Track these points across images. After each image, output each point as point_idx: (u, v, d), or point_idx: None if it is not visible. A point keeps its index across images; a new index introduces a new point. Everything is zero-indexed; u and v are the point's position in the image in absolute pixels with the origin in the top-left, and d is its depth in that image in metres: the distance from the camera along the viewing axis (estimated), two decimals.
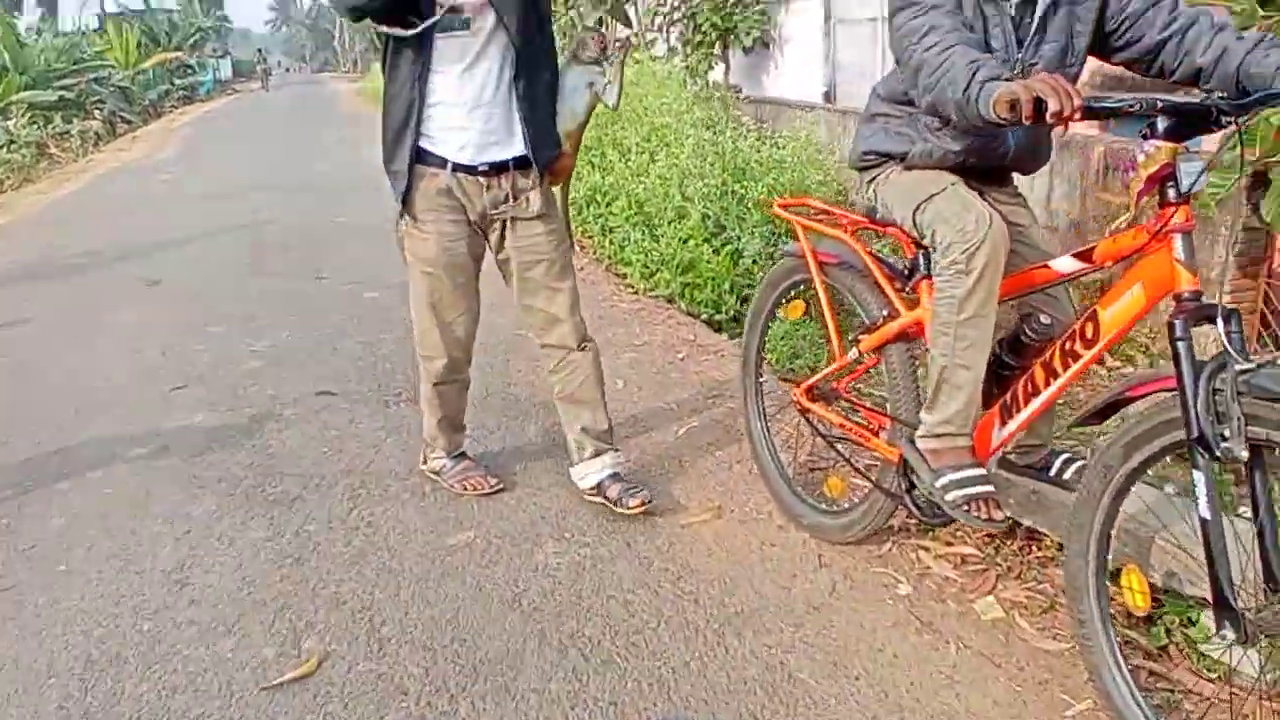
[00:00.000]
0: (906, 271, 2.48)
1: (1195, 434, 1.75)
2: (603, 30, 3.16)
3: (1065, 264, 2.09)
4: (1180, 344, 1.79)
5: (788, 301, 2.99)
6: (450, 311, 2.96)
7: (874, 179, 2.44)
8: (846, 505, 2.85)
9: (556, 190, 3.01)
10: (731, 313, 5.21)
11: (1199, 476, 1.79)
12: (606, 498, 3.06)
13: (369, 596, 2.68)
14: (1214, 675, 2.22)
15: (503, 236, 2.90)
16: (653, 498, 3.05)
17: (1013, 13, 2.12)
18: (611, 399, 3.31)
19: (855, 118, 8.40)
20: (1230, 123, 1.76)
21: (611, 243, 6.16)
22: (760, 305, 3.05)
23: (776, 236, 5.49)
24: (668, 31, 10.50)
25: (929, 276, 2.43)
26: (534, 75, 2.79)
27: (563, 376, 3.04)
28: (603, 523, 3.04)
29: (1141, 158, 1.82)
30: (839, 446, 2.97)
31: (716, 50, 9.86)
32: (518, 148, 2.81)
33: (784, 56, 10.38)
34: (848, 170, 7.86)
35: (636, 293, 5.60)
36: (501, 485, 3.24)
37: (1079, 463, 2.48)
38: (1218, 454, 1.73)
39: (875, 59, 10.02)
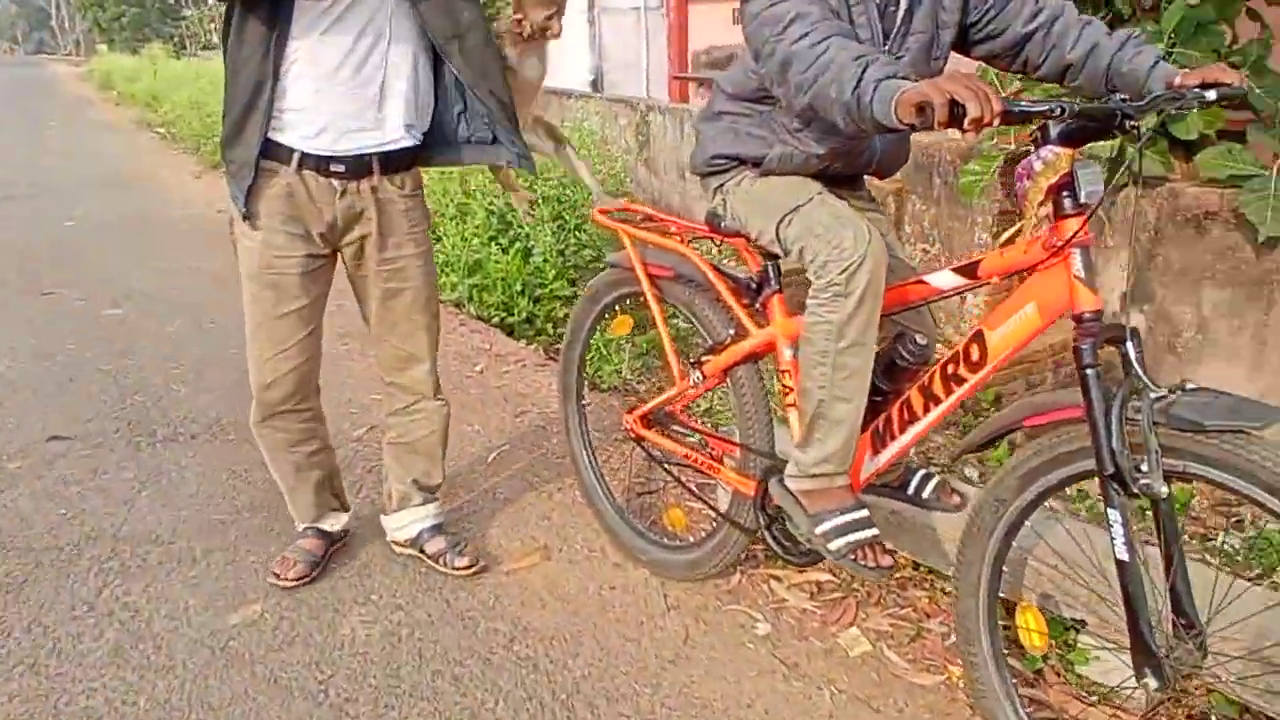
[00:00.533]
0: (754, 286, 2.21)
1: (1110, 469, 1.57)
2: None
3: (944, 279, 1.87)
4: (1089, 371, 1.61)
5: (611, 317, 2.66)
6: (271, 343, 2.34)
7: (722, 185, 2.14)
8: (692, 539, 2.57)
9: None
10: (524, 314, 4.85)
11: (1114, 515, 1.61)
12: (425, 553, 2.63)
13: (130, 708, 2.15)
14: (1094, 699, 2.09)
15: (362, 252, 2.37)
16: (480, 559, 2.65)
17: (878, 0, 1.87)
18: None
19: (625, 107, 8.43)
20: (1133, 127, 1.56)
21: None
22: (579, 321, 2.71)
23: (566, 233, 5.17)
24: None
25: (780, 291, 2.17)
26: (436, 43, 2.24)
27: (406, 422, 2.57)
28: (414, 577, 2.62)
29: (1039, 165, 1.61)
30: (683, 475, 2.68)
31: None
32: (392, 137, 2.27)
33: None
34: (637, 162, 7.66)
35: None
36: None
37: (936, 479, 2.29)
38: (1134, 490, 1.55)
39: (640, 48, 9.95)
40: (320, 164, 2.22)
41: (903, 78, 1.52)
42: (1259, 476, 1.44)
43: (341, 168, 2.23)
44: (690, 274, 2.33)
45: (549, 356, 4.26)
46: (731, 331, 2.27)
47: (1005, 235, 1.80)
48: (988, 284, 1.83)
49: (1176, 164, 3.76)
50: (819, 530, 1.97)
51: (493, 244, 5.04)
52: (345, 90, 2.17)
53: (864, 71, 1.55)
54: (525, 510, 2.98)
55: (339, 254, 2.39)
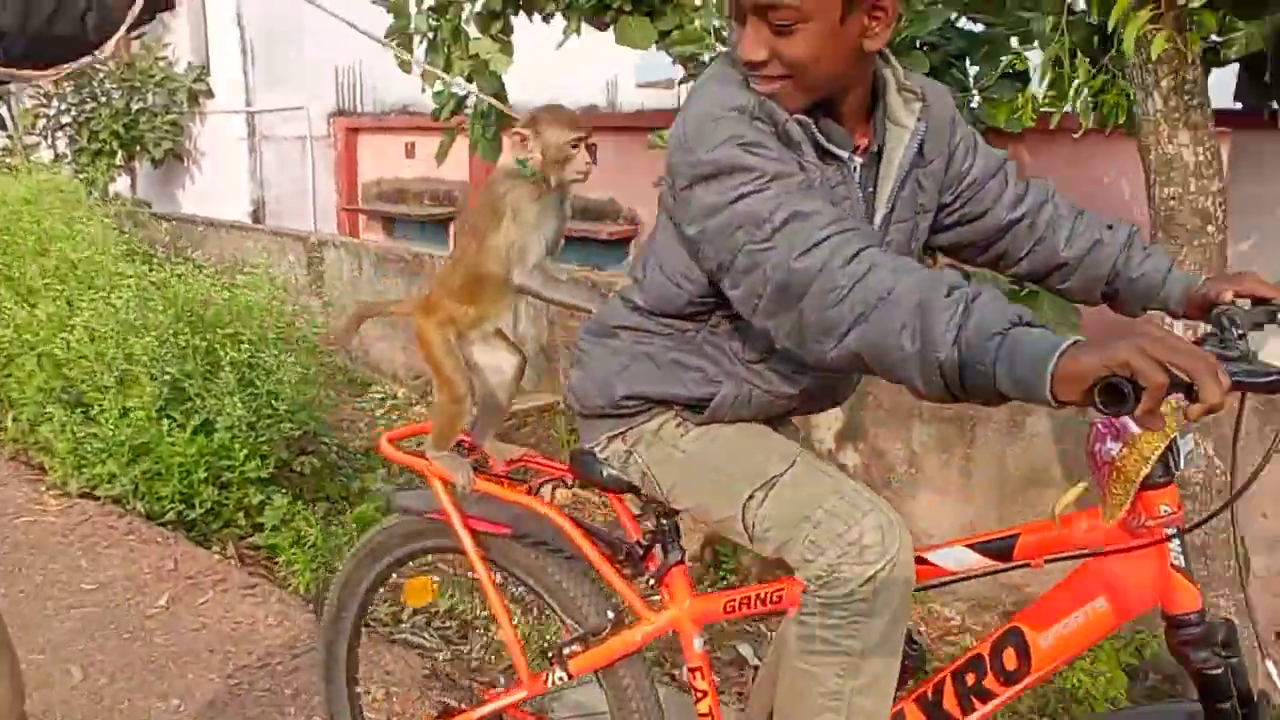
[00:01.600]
0: (641, 553, 1.58)
1: None
2: None
3: (957, 558, 1.34)
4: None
5: (405, 580, 1.89)
6: None
7: (624, 432, 1.51)
8: None
9: None
10: (209, 504, 3.83)
11: None
12: None
13: None
14: None
15: None
16: None
17: (858, 176, 1.35)
18: (64, 701, 1.91)
19: (292, 240, 7.52)
20: None
21: (20, 422, 4.36)
22: (348, 589, 1.93)
23: (258, 401, 4.21)
24: (53, 137, 8.54)
25: (682, 562, 1.55)
26: None
27: None
28: None
29: (1135, 427, 1.13)
30: None
31: (120, 160, 8.21)
32: None
33: (202, 171, 9.10)
34: (310, 298, 6.74)
35: (67, 494, 3.92)
36: None
37: None
38: None
39: (306, 179, 9.15)
40: None
41: (1041, 325, 0.97)
42: None
43: None
44: (541, 535, 1.65)
45: (265, 575, 3.31)
46: (611, 616, 1.61)
47: (1062, 504, 1.29)
48: (1023, 567, 1.31)
49: None
50: None
51: (164, 419, 3.98)
52: None
53: (964, 312, 1.01)
54: None
55: None
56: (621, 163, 8.18)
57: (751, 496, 1.36)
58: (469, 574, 1.79)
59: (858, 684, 1.27)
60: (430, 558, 1.85)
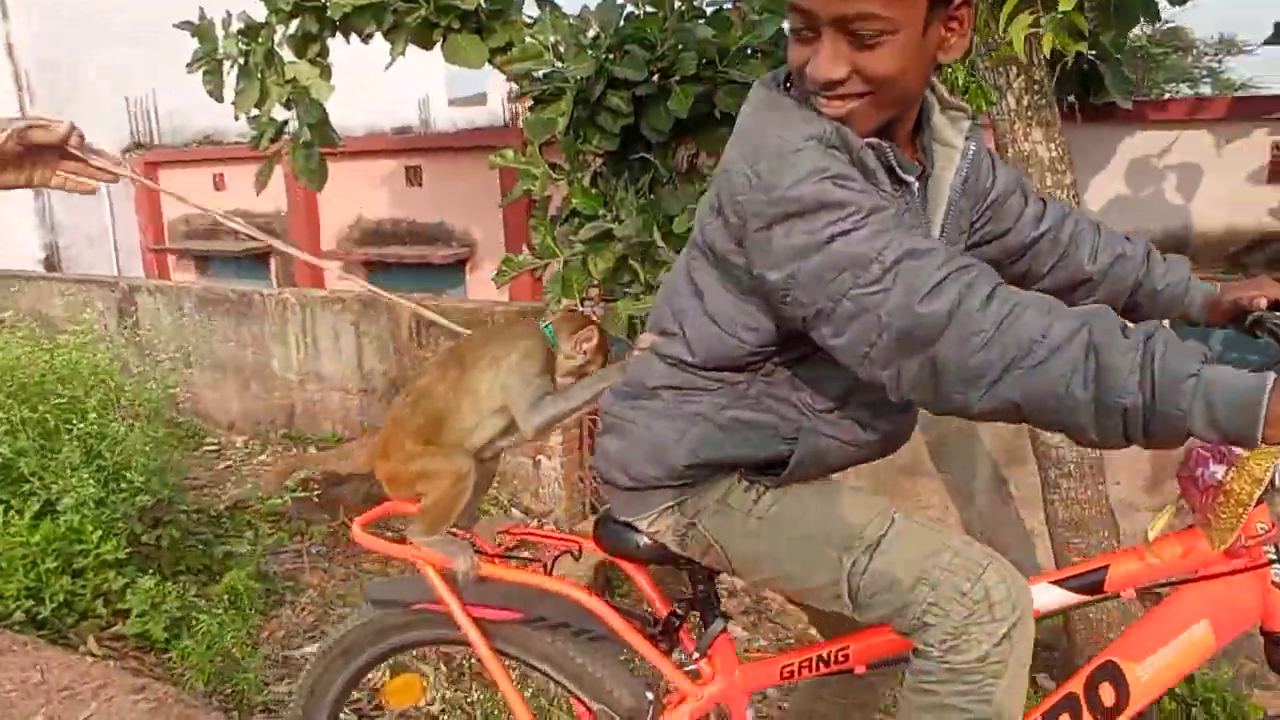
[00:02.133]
0: (675, 626, 1.45)
1: None
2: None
3: (1047, 596, 1.26)
4: None
5: (383, 678, 1.68)
6: None
7: (680, 503, 1.36)
8: None
9: None
10: (61, 597, 3.40)
11: None
12: None
13: None
14: None
15: None
16: None
17: (917, 199, 1.27)
18: None
19: (98, 287, 6.86)
20: None
21: None
22: (315, 696, 1.71)
23: (104, 474, 3.77)
24: None
25: (726, 631, 1.43)
26: None
27: None
28: None
29: (1242, 452, 1.10)
30: None
31: None
32: None
33: None
34: (126, 351, 6.14)
35: None
36: None
37: None
38: None
39: (103, 219, 8.46)
40: None
41: (1210, 359, 0.91)
42: None
43: None
44: (559, 616, 1.49)
45: (151, 673, 2.94)
46: (650, 697, 1.46)
47: (1155, 529, 1.24)
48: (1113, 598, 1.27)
49: None
50: None
51: None
52: None
53: (1145, 354, 0.95)
54: None
55: None
56: (446, 184, 7.98)
57: (855, 562, 1.25)
58: (458, 664, 1.60)
59: None
60: (410, 653, 1.64)
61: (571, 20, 3.87)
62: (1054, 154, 2.87)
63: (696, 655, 1.46)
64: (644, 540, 1.40)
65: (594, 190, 4.08)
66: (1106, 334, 0.98)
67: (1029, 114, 2.85)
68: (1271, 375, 0.91)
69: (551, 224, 4.32)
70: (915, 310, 1.05)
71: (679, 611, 1.47)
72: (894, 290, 1.07)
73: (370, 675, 1.71)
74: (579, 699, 1.53)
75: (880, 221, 1.10)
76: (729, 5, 3.74)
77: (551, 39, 3.98)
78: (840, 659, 1.38)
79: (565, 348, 1.55)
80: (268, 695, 2.80)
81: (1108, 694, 1.26)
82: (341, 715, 1.81)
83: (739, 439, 1.31)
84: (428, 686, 1.77)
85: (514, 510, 5.01)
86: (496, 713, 2.30)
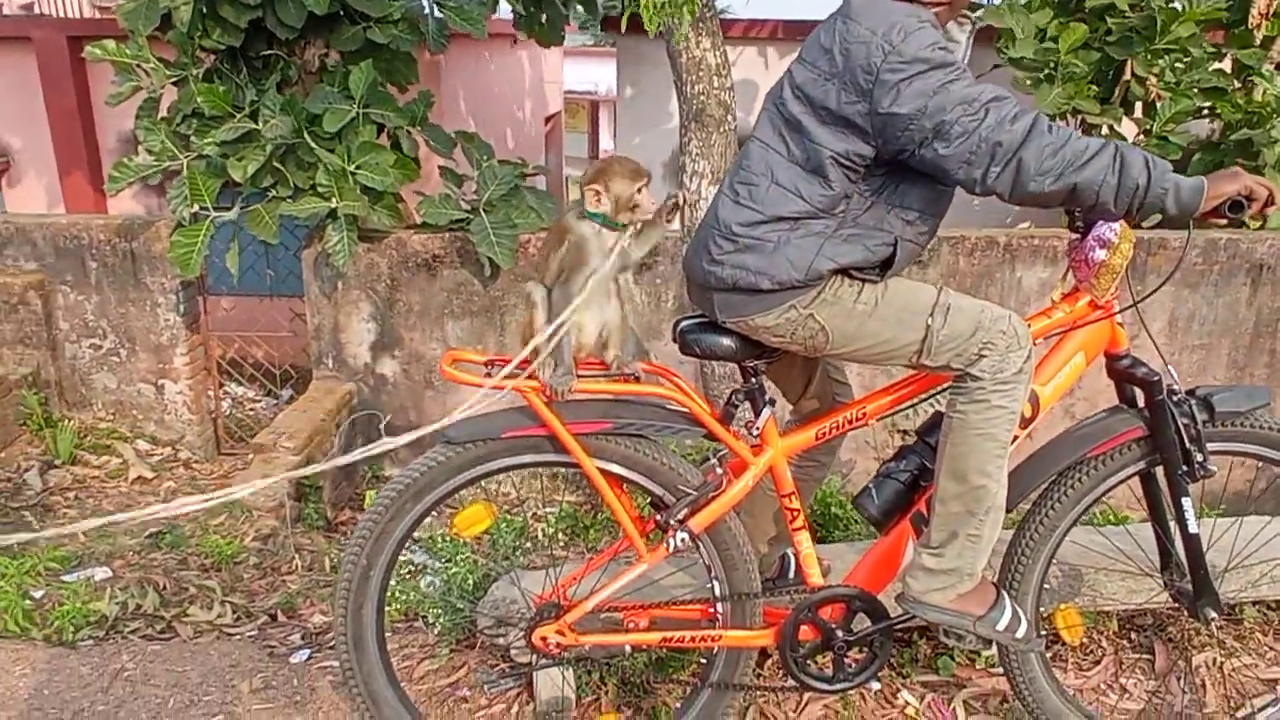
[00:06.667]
0: (735, 408, 1.79)
1: (1183, 466, 1.81)
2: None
3: None
4: (1166, 399, 1.82)
5: (453, 512, 1.75)
6: None
7: (805, 300, 1.70)
8: None
9: None
10: None
11: (1186, 502, 1.84)
12: None
13: None
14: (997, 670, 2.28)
15: None
16: None
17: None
18: None
19: None
20: None
21: None
22: (380, 535, 1.78)
23: None
24: None
25: (772, 412, 1.81)
26: None
27: None
28: None
29: (1112, 236, 1.74)
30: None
31: None
32: None
33: None
34: None
35: None
36: None
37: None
38: (1198, 477, 1.80)
39: None
40: None
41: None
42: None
43: None
44: (640, 422, 1.76)
45: None
46: (721, 471, 1.76)
47: (1057, 293, 1.85)
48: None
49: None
50: (1000, 627, 1.75)
51: None
52: None
53: (1147, 159, 1.54)
54: None
55: None
56: None
57: (931, 322, 1.70)
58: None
59: (1015, 432, 1.71)
60: (477, 487, 1.70)
61: None
62: (718, 60, 3.30)
63: (756, 431, 1.79)
64: (728, 341, 1.75)
65: (221, 89, 3.90)
66: (1125, 148, 1.55)
67: (700, 24, 3.23)
68: (1202, 177, 1.57)
69: (165, 124, 3.92)
70: (1006, 128, 1.53)
71: (735, 401, 1.79)
72: (988, 119, 1.53)
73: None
74: (661, 487, 1.81)
75: (969, 77, 1.57)
76: None
77: None
78: (859, 418, 1.82)
79: (622, 219, 1.77)
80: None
81: (1027, 408, 1.85)
82: (399, 561, 1.81)
83: (859, 246, 1.69)
84: (496, 512, 1.83)
85: (139, 442, 4.46)
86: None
